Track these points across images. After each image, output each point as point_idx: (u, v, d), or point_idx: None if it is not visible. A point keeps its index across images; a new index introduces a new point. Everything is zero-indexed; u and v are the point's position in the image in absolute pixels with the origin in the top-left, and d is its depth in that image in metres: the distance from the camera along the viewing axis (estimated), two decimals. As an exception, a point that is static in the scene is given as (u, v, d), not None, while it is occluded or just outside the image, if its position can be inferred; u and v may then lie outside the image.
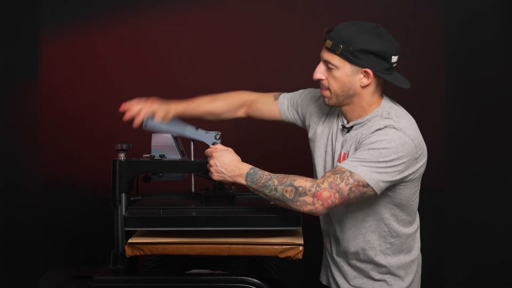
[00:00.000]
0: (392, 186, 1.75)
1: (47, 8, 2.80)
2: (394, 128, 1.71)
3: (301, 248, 1.79)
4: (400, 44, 2.82)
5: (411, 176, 1.76)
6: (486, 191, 2.77)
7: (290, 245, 1.79)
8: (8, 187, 2.81)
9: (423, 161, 1.79)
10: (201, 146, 1.94)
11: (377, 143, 1.69)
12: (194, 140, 1.99)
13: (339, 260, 1.93)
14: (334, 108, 1.92)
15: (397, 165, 1.69)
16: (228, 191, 2.01)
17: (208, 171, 1.81)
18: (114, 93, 2.85)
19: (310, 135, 1.98)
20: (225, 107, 2.14)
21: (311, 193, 1.66)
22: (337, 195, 1.66)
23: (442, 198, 2.77)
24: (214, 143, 1.94)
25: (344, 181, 1.66)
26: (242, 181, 1.75)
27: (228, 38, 2.85)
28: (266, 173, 1.75)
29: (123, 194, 1.94)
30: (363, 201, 1.76)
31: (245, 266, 2.04)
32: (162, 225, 1.82)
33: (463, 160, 2.79)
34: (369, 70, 1.72)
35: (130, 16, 2.84)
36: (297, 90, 2.84)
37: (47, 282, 2.07)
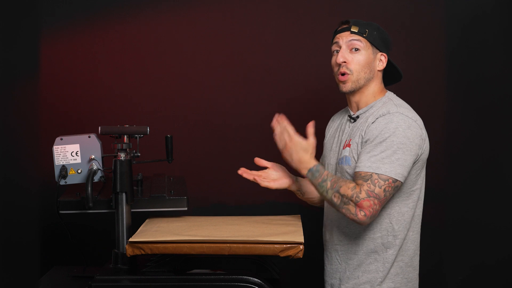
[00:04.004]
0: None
1: (47, 8, 2.80)
2: (397, 112, 1.85)
3: (301, 247, 1.78)
4: (400, 44, 2.85)
5: (421, 157, 1.88)
6: (486, 191, 2.77)
7: (291, 244, 1.79)
8: (8, 187, 2.80)
9: (426, 143, 1.90)
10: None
11: (386, 132, 1.80)
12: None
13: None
14: (340, 113, 2.13)
15: (410, 148, 1.81)
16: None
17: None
18: (114, 93, 2.85)
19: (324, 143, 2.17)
20: None
21: (353, 203, 1.78)
22: (376, 201, 1.77)
23: (442, 198, 2.77)
24: None
25: (377, 185, 1.77)
26: (304, 171, 1.86)
27: (228, 38, 2.85)
28: (326, 173, 1.84)
29: (124, 194, 1.95)
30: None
31: (245, 265, 2.04)
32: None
33: (463, 160, 2.79)
34: (385, 55, 1.97)
35: (130, 16, 2.84)
36: (296, 89, 2.85)
37: (47, 282, 2.06)
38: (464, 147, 2.78)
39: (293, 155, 1.86)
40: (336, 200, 1.79)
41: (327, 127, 2.20)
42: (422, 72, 2.79)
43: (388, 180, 1.78)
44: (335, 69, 1.96)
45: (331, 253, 2.03)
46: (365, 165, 1.80)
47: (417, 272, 2.00)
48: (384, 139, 1.80)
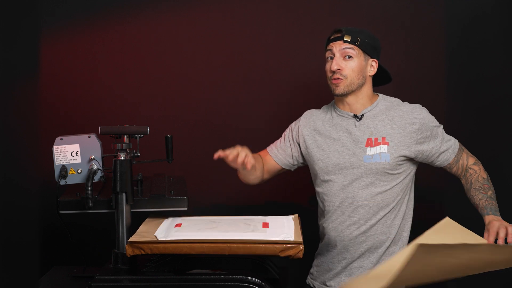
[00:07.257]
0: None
1: (47, 8, 2.80)
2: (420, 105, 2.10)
3: (301, 247, 1.78)
4: (400, 44, 2.83)
5: None
6: (486, 191, 2.76)
7: (291, 244, 1.79)
8: (8, 187, 2.80)
9: None
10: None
11: (428, 119, 2.07)
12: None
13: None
14: (319, 113, 2.19)
15: None
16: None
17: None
18: (114, 93, 2.85)
19: (309, 144, 2.16)
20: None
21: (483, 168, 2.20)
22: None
23: (442, 198, 2.77)
24: None
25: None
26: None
27: (228, 38, 2.85)
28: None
29: (124, 194, 1.95)
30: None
31: (245, 265, 2.04)
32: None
33: (463, 160, 2.78)
34: (376, 60, 2.09)
35: (130, 16, 2.84)
36: (296, 89, 2.85)
37: (47, 282, 2.07)
38: (464, 147, 2.78)
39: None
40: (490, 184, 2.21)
41: (302, 126, 2.20)
42: (422, 72, 2.79)
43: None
44: (329, 74, 2.07)
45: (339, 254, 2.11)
46: (448, 143, 2.13)
47: None
48: (433, 124, 2.09)
